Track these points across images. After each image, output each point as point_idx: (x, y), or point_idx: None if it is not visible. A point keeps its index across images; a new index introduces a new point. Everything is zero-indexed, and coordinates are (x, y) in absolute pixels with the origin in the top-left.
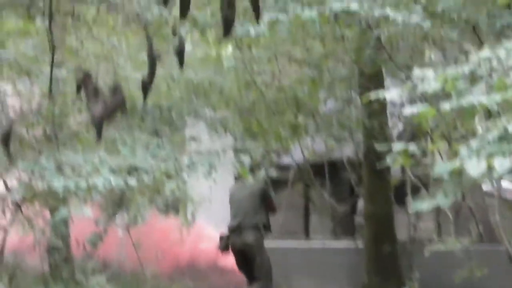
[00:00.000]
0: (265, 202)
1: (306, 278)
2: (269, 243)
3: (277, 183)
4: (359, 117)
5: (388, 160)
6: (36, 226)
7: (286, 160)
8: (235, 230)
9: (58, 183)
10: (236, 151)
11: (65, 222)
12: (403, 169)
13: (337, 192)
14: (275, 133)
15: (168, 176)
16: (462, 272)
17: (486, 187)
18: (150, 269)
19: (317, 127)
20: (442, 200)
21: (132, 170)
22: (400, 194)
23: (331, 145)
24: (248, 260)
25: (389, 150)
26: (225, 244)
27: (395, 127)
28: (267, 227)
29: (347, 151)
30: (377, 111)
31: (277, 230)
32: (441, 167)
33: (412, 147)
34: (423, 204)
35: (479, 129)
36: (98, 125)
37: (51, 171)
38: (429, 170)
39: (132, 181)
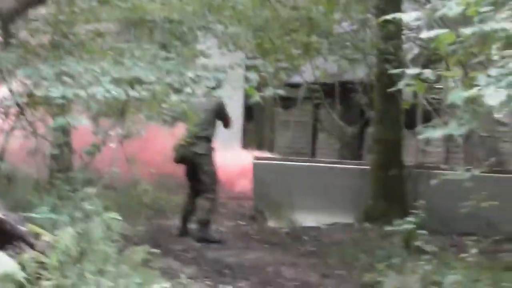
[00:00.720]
0: (219, 117)
1: (309, 197)
2: (274, 161)
3: (287, 101)
4: (374, 39)
5: (401, 84)
6: (38, 133)
7: (297, 78)
8: (188, 140)
9: (56, 91)
10: (246, 68)
11: (66, 131)
12: (415, 94)
13: (347, 114)
14: (286, 51)
15: (173, 90)
16: (470, 202)
17: (497, 115)
18: (141, 184)
19: (330, 48)
20: (456, 128)
21: (134, 81)
22: (411, 119)
23: (344, 67)
24: (196, 169)
25: (403, 74)
26: (178, 155)
27: (410, 51)
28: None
29: (359, 73)
30: (393, 34)
31: (283, 148)
32: (457, 94)
33: (427, 72)
34: (435, 132)
35: (499, 58)
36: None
37: (50, 79)
38: (442, 96)
39: (134, 92)
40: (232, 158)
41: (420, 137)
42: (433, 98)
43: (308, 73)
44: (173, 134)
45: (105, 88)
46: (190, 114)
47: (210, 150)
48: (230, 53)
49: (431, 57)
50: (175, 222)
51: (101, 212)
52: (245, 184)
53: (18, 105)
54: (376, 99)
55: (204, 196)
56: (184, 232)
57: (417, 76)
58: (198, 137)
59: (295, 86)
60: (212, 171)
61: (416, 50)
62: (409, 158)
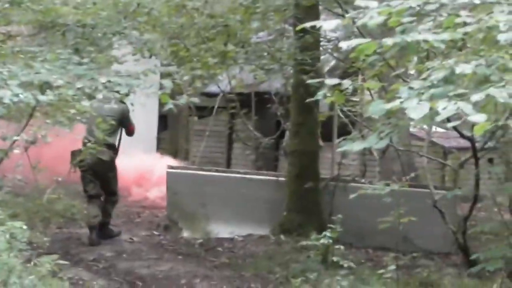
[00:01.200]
0: (123, 124)
1: (224, 208)
2: (188, 170)
3: (202, 111)
4: (291, 49)
5: (320, 94)
6: None
7: (213, 88)
8: (97, 147)
9: None
10: (161, 75)
11: None
12: (331, 106)
13: (263, 125)
14: (202, 60)
15: (85, 95)
16: (388, 218)
17: (412, 129)
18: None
19: (246, 57)
20: (375, 142)
21: (44, 85)
22: (327, 131)
23: (261, 77)
24: (98, 175)
25: (320, 85)
26: (78, 160)
27: (327, 63)
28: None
29: (276, 84)
30: (310, 45)
31: (198, 158)
32: (377, 106)
33: (346, 83)
34: (353, 145)
35: (418, 71)
36: None
37: None
38: (358, 109)
39: (43, 97)
40: (148, 165)
41: (339, 150)
42: (350, 111)
43: (224, 82)
44: (74, 139)
45: (12, 92)
46: (99, 121)
47: (113, 157)
48: (145, 60)
49: (347, 69)
50: (87, 231)
51: (4, 221)
52: (160, 193)
53: None
54: (292, 110)
55: (110, 199)
56: (98, 242)
57: (336, 87)
58: (103, 144)
59: (211, 95)
60: (115, 177)
61: (333, 62)
62: (325, 170)
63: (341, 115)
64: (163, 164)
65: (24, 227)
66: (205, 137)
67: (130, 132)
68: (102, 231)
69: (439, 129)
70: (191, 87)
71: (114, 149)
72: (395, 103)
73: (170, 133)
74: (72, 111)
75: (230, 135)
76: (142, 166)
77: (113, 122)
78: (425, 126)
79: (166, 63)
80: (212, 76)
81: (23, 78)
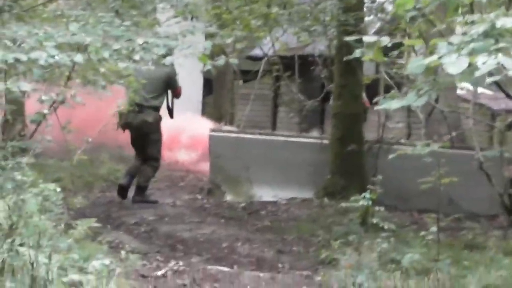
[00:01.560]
0: (169, 86)
1: (267, 171)
2: (231, 133)
3: (247, 74)
4: (334, 10)
5: (357, 53)
6: None
7: (257, 52)
8: (137, 107)
9: None
10: (206, 37)
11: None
12: (376, 68)
13: (307, 88)
14: (245, 22)
15: (120, 56)
16: (429, 178)
17: (460, 91)
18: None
19: (289, 19)
20: (414, 99)
21: (81, 47)
22: (373, 94)
23: (305, 39)
24: (143, 137)
25: (362, 45)
26: (124, 120)
27: (372, 25)
28: (170, 112)
29: (320, 46)
30: (354, 6)
31: (243, 121)
32: (416, 63)
33: (385, 40)
34: (392, 103)
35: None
36: None
37: None
38: (404, 71)
39: (79, 58)
40: (195, 128)
41: (377, 108)
42: (396, 73)
43: (268, 46)
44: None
45: (48, 54)
46: (133, 81)
47: (158, 119)
48: (188, 23)
49: (393, 31)
50: (129, 194)
51: (37, 183)
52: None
53: None
54: (335, 72)
55: (149, 163)
56: (125, 188)
57: (375, 44)
58: (148, 106)
59: (256, 59)
60: (159, 141)
61: (378, 24)
62: (371, 133)
63: (386, 77)
64: (193, 127)
65: (58, 189)
66: (250, 101)
67: (177, 95)
68: (138, 194)
69: (487, 91)
70: (235, 50)
71: (159, 111)
72: (433, 58)
73: (215, 97)
74: (102, 70)
75: (275, 98)
76: (173, 128)
77: (158, 85)
78: (470, 87)
79: (208, 25)
80: (256, 39)
81: (59, 39)
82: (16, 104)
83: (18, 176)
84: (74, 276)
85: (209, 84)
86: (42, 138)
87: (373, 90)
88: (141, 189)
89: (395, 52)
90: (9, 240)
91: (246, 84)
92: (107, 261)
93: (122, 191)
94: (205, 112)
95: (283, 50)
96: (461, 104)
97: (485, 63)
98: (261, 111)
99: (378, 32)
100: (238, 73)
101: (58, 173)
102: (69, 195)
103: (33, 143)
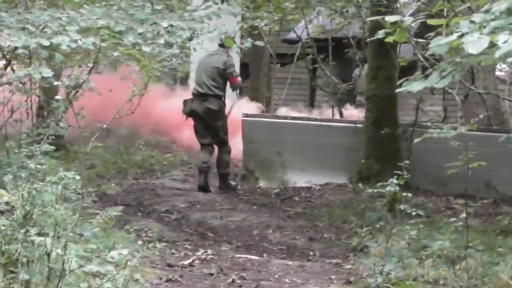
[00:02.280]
0: (225, 75)
1: (301, 156)
2: (264, 118)
3: (284, 58)
4: None
5: (380, 33)
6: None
7: (293, 35)
8: (199, 96)
9: (18, 41)
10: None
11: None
12: (414, 50)
13: (342, 70)
14: (276, 3)
15: (145, 40)
16: (457, 163)
17: (498, 72)
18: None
19: (321, 0)
20: (436, 81)
21: (104, 31)
22: (410, 76)
23: (340, 22)
24: (208, 124)
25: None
26: (189, 108)
27: (408, 6)
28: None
29: (354, 28)
30: None
31: (279, 104)
32: (438, 42)
33: (408, 20)
34: (413, 85)
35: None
36: None
37: (13, 29)
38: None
39: (102, 43)
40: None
41: (398, 90)
42: (431, 55)
43: (304, 29)
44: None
45: (71, 38)
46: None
47: (222, 106)
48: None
49: (431, 11)
50: (163, 181)
51: (54, 171)
52: None
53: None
54: (369, 54)
55: (223, 149)
56: (206, 187)
57: (398, 24)
58: (211, 94)
59: (292, 42)
60: (224, 126)
61: (415, 5)
62: (407, 117)
63: (422, 59)
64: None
65: (77, 177)
66: (286, 84)
67: (232, 84)
68: (222, 183)
69: None
70: (270, 34)
71: (221, 99)
72: (453, 38)
73: (252, 81)
74: (116, 54)
75: (311, 81)
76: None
77: (217, 74)
78: (508, 68)
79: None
80: (291, 22)
81: (82, 23)
82: (51, 90)
83: (31, 164)
84: (93, 267)
85: (245, 68)
86: (53, 125)
87: (410, 72)
88: (225, 177)
89: (432, 34)
90: (23, 231)
91: (282, 68)
92: (125, 251)
93: (204, 190)
94: (241, 95)
95: (317, 32)
96: (500, 85)
97: (506, 41)
98: (298, 95)
99: (415, 13)
100: (274, 56)
101: (92, 160)
102: (102, 182)
103: (48, 130)
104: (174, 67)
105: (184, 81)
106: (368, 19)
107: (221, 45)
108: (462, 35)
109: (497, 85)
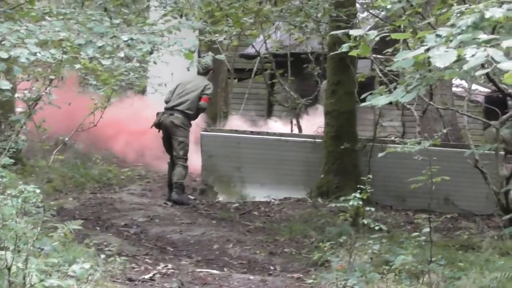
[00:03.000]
0: (201, 96)
1: (260, 171)
2: (223, 132)
3: (241, 73)
4: (326, 6)
5: (344, 47)
6: None
7: (251, 50)
8: (169, 110)
9: None
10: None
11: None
12: (371, 66)
13: (301, 86)
14: (235, 18)
15: (104, 53)
16: (420, 178)
17: (455, 88)
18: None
19: (281, 15)
20: (401, 95)
21: (66, 42)
22: (367, 91)
23: (299, 37)
24: (169, 137)
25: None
26: (157, 120)
27: (365, 21)
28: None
29: (313, 43)
30: (346, 1)
31: (237, 119)
32: (403, 56)
33: (372, 34)
34: (379, 99)
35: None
36: None
37: None
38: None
39: (63, 56)
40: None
41: (362, 105)
42: (390, 70)
43: (262, 44)
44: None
45: (30, 51)
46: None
47: (186, 123)
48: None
49: (387, 28)
50: (121, 195)
51: (15, 184)
52: None
53: None
54: (328, 70)
55: (179, 164)
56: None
57: (362, 39)
58: (179, 109)
59: (250, 57)
60: (183, 143)
61: (372, 21)
62: (366, 132)
63: (380, 74)
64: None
65: (37, 190)
66: (244, 99)
67: (201, 103)
68: (175, 193)
69: (482, 88)
70: (227, 49)
71: (188, 118)
72: (420, 51)
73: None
74: (77, 66)
75: (269, 97)
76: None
77: (194, 95)
78: (465, 84)
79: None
80: (249, 37)
81: (41, 36)
82: (8, 104)
83: None
84: (54, 281)
85: None
86: (15, 138)
87: (368, 87)
88: (177, 187)
89: (390, 50)
90: None
91: (240, 83)
92: (87, 265)
93: (180, 203)
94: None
95: (276, 47)
96: (457, 101)
97: (473, 55)
98: (255, 110)
99: (372, 29)
100: (232, 71)
101: (49, 174)
102: (60, 196)
103: (8, 143)
104: (132, 81)
105: (141, 95)
106: (330, 33)
107: (202, 74)
108: (428, 49)
109: (454, 101)
